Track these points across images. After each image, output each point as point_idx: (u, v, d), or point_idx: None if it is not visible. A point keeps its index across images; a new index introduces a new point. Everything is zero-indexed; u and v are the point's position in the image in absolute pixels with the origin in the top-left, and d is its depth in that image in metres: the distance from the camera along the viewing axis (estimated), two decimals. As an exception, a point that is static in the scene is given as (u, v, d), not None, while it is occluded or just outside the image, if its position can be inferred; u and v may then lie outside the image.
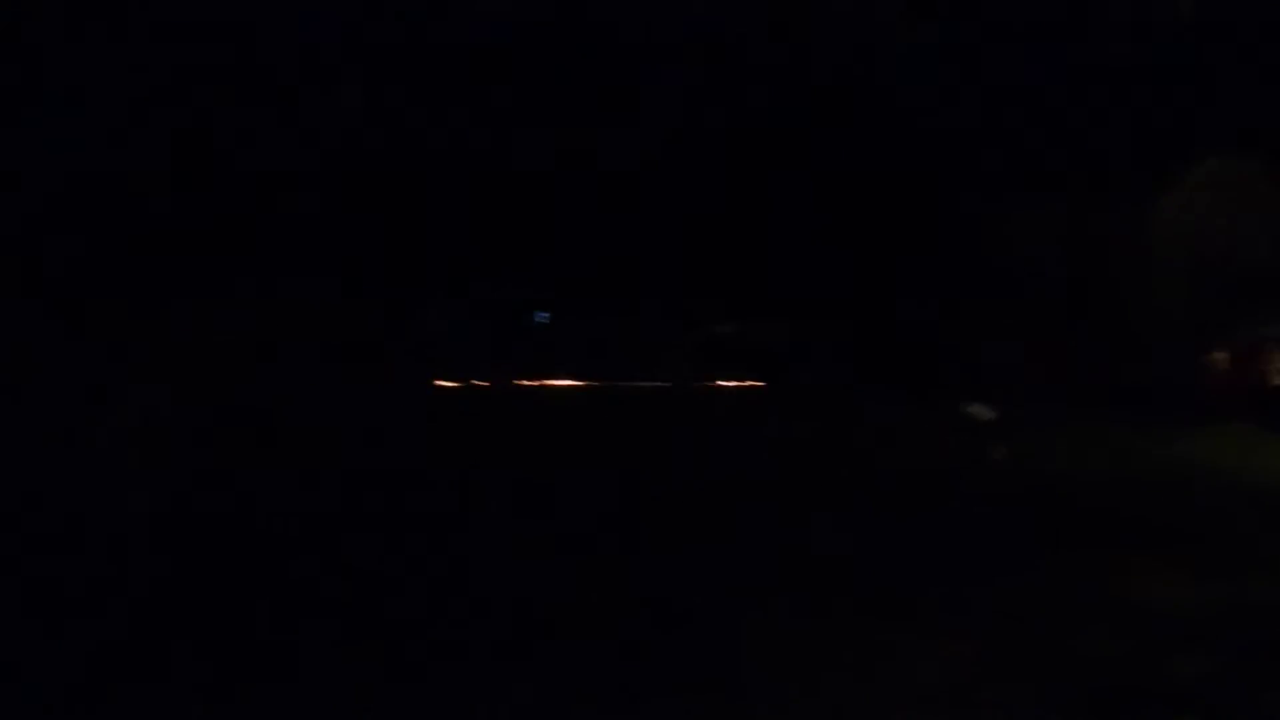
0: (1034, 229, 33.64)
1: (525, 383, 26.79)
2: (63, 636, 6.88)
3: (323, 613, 7.82)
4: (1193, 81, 33.86)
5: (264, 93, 29.24)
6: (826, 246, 33.44)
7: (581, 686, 6.45)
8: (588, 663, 6.92)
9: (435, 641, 7.21)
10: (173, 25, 27.83)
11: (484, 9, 31.13)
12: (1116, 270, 31.69)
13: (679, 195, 32.68)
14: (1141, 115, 32.71)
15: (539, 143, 31.62)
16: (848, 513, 12.24)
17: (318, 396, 21.69)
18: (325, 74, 30.24)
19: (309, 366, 24.49)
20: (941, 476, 14.84)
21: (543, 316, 34.01)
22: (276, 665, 6.66)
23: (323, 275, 28.58)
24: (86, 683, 6.07)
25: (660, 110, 32.71)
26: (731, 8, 33.20)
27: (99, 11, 27.31)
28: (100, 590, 8.00)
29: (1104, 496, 13.75)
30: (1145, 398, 24.74)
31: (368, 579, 8.76)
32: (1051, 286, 31.96)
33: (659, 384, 27.29)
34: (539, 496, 12.74)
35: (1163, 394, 24.45)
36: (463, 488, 13.10)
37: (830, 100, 33.57)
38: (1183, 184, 32.18)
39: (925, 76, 33.80)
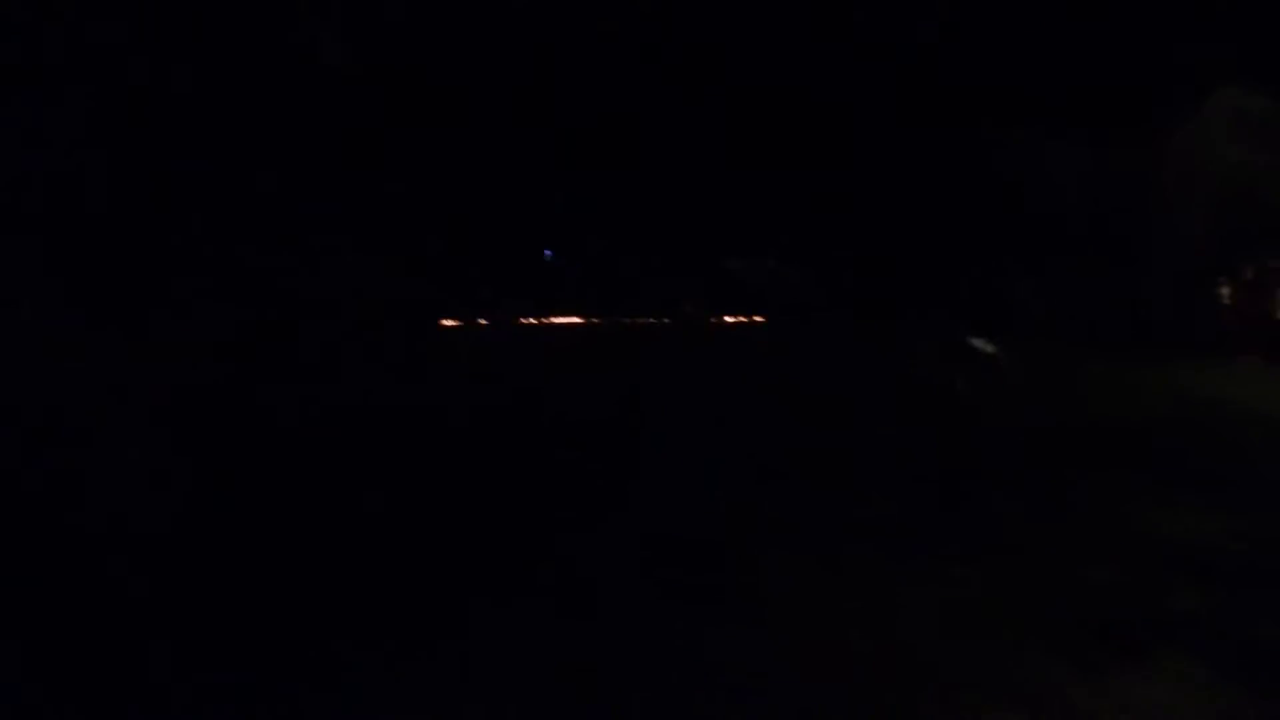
0: (1042, 165, 33.50)
1: (529, 320, 26.79)
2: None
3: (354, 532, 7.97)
4: (1202, 14, 33.51)
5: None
6: (835, 182, 33.29)
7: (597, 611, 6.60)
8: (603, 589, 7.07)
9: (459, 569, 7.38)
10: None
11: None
12: (1124, 206, 31.58)
13: (685, 131, 32.45)
14: (1150, 48, 32.40)
15: (543, 85, 31.37)
16: (848, 444, 12.32)
17: (331, 339, 21.71)
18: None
19: (322, 312, 24.44)
20: (941, 407, 14.91)
21: (548, 254, 33.93)
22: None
23: (328, 219, 28.43)
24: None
25: (662, 48, 32.43)
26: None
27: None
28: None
29: (1108, 429, 13.81)
30: (1153, 331, 24.81)
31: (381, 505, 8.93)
32: (1060, 223, 31.87)
33: (664, 320, 27.29)
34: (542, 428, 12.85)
35: (1170, 328, 24.51)
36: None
37: (838, 37, 33.25)
38: (1191, 118, 31.98)
39: (934, 10, 33.44)
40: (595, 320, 27.68)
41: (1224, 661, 6.14)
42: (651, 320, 27.65)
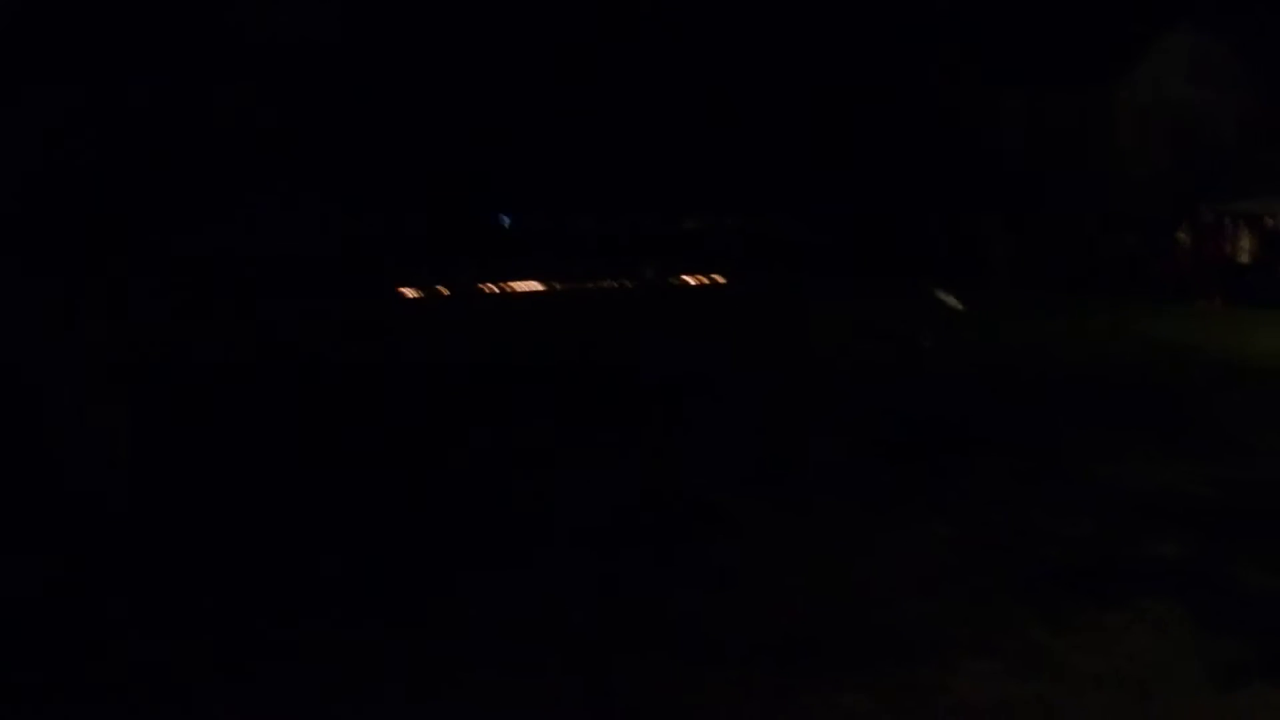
0: (997, 116, 33.54)
1: (489, 287, 26.61)
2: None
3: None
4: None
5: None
6: (790, 143, 33.25)
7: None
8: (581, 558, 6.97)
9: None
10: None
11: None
12: (1083, 154, 31.67)
13: (644, 96, 32.27)
14: None
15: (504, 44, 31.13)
16: (813, 398, 12.25)
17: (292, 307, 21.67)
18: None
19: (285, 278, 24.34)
20: (906, 361, 14.87)
21: (505, 220, 33.77)
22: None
23: (294, 191, 28.28)
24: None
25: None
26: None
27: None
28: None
29: (1070, 378, 13.83)
30: (1112, 276, 24.90)
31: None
32: (1018, 175, 31.94)
33: (624, 283, 27.19)
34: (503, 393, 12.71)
35: (1129, 272, 24.61)
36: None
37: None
38: (1144, 64, 32.06)
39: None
40: (556, 285, 27.53)
41: (1201, 607, 6.10)
42: (613, 284, 27.53)
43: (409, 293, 25.58)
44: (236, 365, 15.33)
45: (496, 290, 26.68)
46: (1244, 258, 21.90)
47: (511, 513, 8.16)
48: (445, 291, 25.51)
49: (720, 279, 28.93)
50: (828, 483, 8.83)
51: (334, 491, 8.70)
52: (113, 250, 23.00)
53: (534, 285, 27.45)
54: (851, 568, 6.79)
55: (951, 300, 15.39)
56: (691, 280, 28.55)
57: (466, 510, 8.23)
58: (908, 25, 33.05)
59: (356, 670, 5.40)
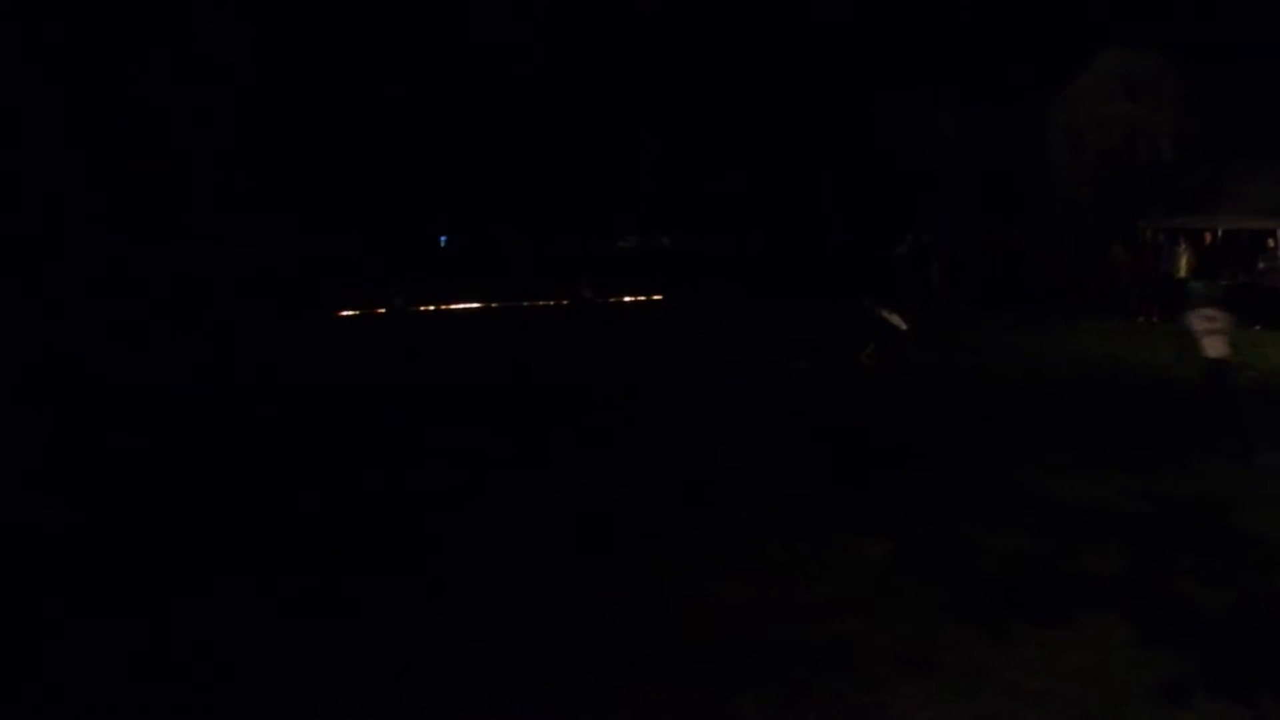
0: (932, 134, 33.80)
1: (426, 307, 26.38)
2: None
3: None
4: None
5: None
6: (732, 158, 33.34)
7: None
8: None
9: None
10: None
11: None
12: (1016, 167, 31.97)
13: (578, 116, 32.22)
14: (1038, 16, 32.83)
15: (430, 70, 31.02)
16: (753, 418, 12.18)
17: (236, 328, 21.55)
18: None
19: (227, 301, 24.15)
20: (843, 378, 14.87)
21: (442, 240, 33.58)
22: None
23: (235, 213, 28.05)
24: None
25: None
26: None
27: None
28: None
29: (1008, 394, 13.85)
30: (1049, 292, 25.12)
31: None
32: (954, 193, 32.19)
33: (562, 301, 27.06)
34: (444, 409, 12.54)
35: (1066, 288, 24.81)
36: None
37: (743, 14, 33.20)
38: (1079, 81, 32.42)
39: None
40: (493, 305, 27.35)
41: (1140, 621, 6.07)
42: (550, 303, 27.39)
43: (346, 312, 25.32)
44: (161, 384, 15.08)
45: (433, 309, 26.47)
46: (1182, 273, 22.07)
47: (432, 527, 8.03)
48: (382, 311, 25.26)
49: (658, 297, 28.88)
50: (758, 499, 8.74)
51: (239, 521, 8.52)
52: (48, 260, 22.74)
53: (471, 304, 27.26)
54: (788, 586, 6.70)
55: (895, 319, 15.36)
56: (629, 299, 28.47)
57: (386, 530, 8.07)
58: (842, 43, 33.27)
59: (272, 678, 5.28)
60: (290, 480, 9.61)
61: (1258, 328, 19.74)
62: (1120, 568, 7.00)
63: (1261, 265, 21.42)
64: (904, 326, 15.51)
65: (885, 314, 15.50)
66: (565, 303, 26.61)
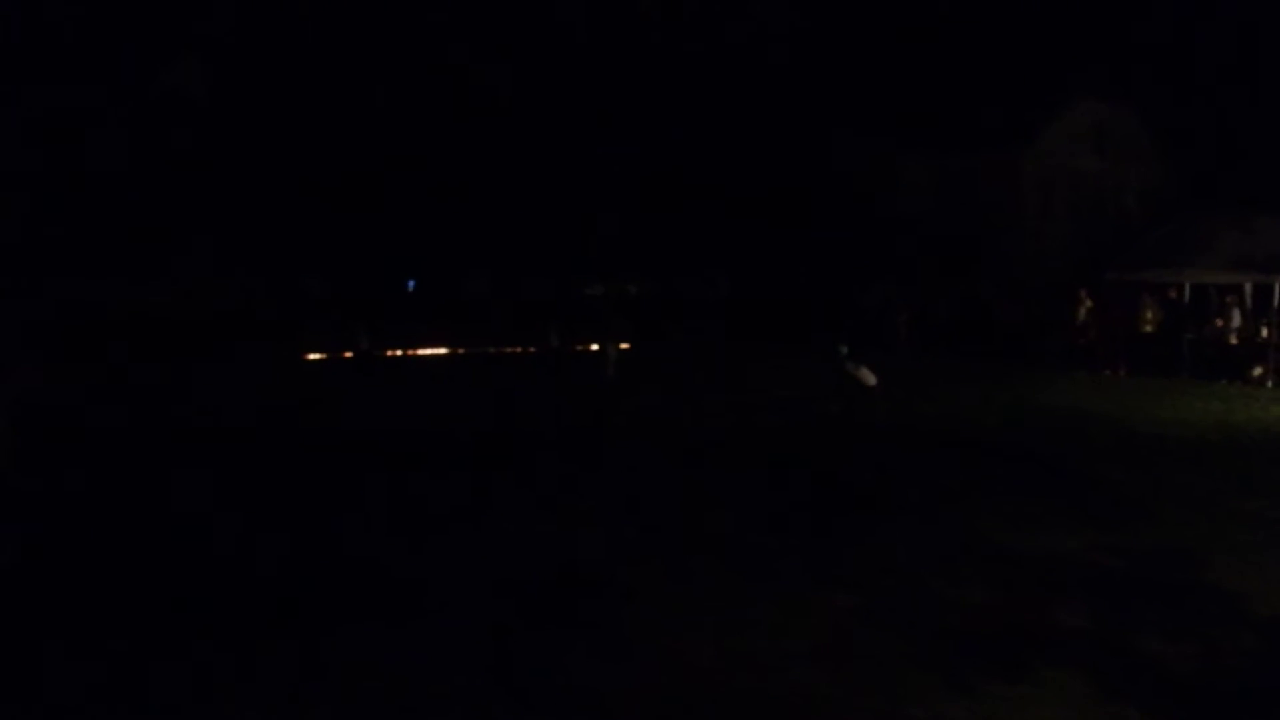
0: (902, 185, 34.02)
1: (394, 352, 26.20)
2: None
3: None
4: (1058, 32, 34.58)
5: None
6: (702, 207, 33.46)
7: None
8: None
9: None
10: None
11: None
12: (985, 218, 32.19)
13: (549, 160, 32.30)
14: (1011, 62, 33.25)
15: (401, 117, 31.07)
16: (715, 472, 12.10)
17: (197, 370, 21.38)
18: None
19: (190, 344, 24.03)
20: (810, 429, 14.82)
21: (410, 285, 33.50)
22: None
23: (198, 254, 28.04)
24: None
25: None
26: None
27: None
28: None
29: (975, 446, 13.82)
30: (1015, 344, 25.19)
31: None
32: (924, 243, 32.37)
33: (527, 349, 26.97)
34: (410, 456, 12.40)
35: (1032, 340, 24.88)
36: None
37: (702, 67, 33.46)
38: (1048, 134, 32.74)
39: (797, 36, 33.87)
40: (460, 351, 27.22)
41: (1105, 675, 6.00)
42: (517, 350, 27.30)
43: (311, 356, 25.14)
44: (109, 426, 14.88)
45: (400, 354, 26.30)
46: (1148, 328, 22.13)
47: (399, 577, 7.87)
48: (349, 355, 25.07)
49: (625, 345, 28.78)
50: (721, 548, 8.63)
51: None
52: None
53: (438, 350, 27.13)
54: (752, 638, 6.58)
55: (865, 374, 15.25)
56: (595, 346, 28.38)
57: (351, 574, 7.92)
58: (813, 96, 33.53)
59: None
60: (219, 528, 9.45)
61: (1224, 381, 19.93)
62: (1087, 621, 6.93)
63: (1219, 323, 21.60)
64: (873, 382, 15.44)
65: (854, 370, 15.39)
66: (532, 350, 26.56)
